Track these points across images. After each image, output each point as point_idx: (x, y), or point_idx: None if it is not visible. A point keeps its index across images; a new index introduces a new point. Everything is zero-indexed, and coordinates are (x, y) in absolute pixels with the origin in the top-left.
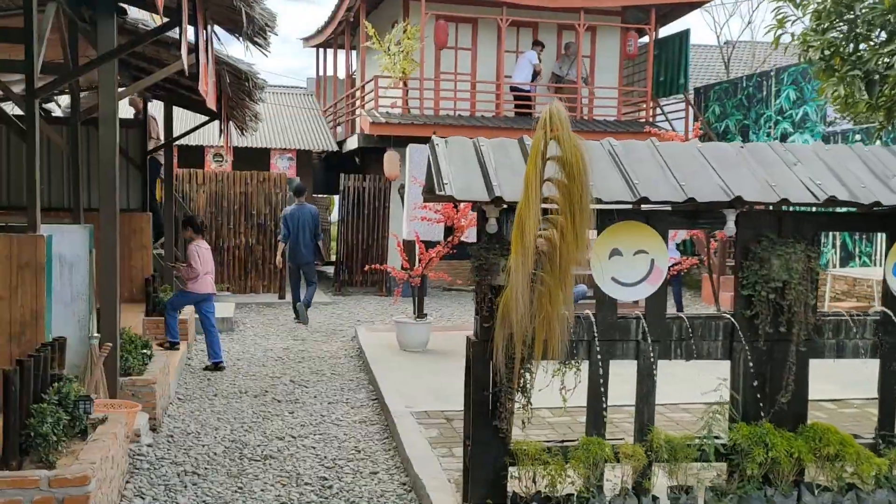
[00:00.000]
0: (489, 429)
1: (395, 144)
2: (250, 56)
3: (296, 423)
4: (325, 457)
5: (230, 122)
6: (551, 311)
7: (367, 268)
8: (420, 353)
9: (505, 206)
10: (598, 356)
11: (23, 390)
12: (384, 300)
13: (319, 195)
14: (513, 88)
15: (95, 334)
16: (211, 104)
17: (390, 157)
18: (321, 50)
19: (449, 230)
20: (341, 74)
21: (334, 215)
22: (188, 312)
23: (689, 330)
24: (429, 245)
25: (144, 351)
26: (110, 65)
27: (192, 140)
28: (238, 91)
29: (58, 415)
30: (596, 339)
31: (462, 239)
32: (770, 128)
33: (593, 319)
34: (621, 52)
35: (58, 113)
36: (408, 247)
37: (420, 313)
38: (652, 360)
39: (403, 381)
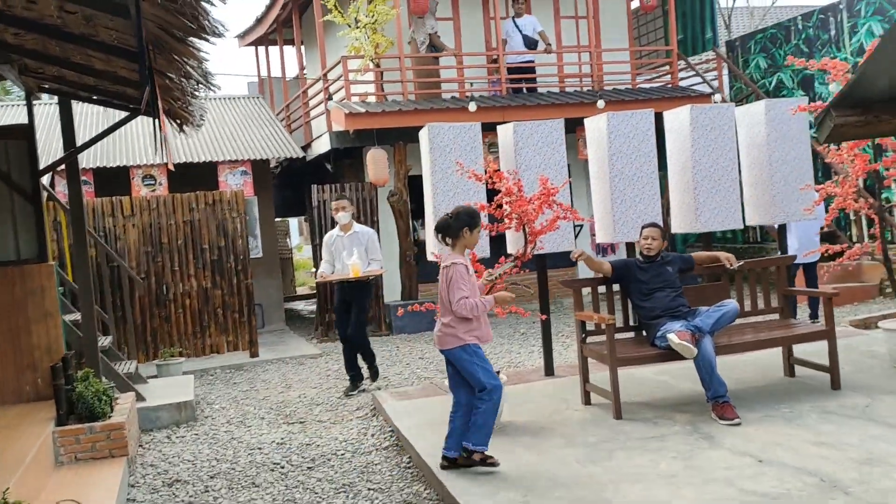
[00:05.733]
0: None
1: (379, 140)
2: None
3: None
4: None
5: (161, 102)
6: None
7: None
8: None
9: None
10: None
11: None
12: (387, 342)
13: (277, 219)
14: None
15: None
16: None
17: (375, 158)
18: (261, 48)
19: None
20: (289, 74)
21: (294, 240)
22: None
23: None
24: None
25: None
26: None
27: (111, 160)
28: (174, 23)
29: None
30: None
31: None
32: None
33: None
34: (629, 7)
35: None
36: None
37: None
38: None
39: (510, 502)
